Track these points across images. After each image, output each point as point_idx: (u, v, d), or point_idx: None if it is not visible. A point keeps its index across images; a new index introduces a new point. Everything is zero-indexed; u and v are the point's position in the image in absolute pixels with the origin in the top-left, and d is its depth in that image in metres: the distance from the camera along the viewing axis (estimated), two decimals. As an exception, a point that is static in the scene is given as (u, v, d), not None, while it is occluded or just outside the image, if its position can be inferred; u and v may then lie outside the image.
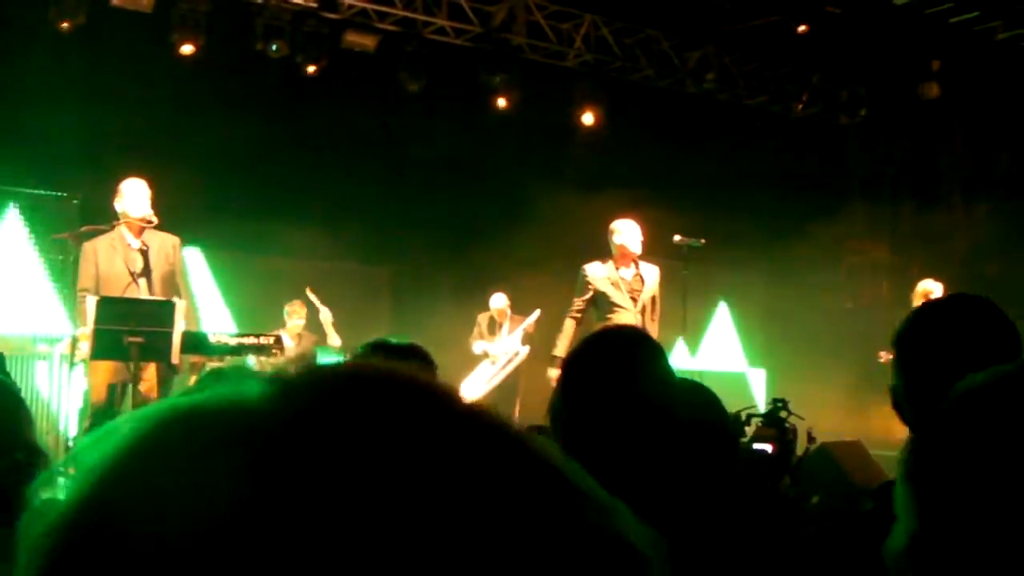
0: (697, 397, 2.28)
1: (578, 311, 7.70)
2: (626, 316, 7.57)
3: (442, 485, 0.44)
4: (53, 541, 0.45)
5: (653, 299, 7.75)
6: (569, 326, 7.72)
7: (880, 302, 12.14)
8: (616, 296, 7.65)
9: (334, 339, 9.55)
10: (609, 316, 7.56)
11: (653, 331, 7.72)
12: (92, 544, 0.44)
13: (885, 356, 8.32)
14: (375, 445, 0.45)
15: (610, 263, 7.72)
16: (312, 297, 9.59)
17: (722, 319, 12.65)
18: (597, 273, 7.70)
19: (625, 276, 7.68)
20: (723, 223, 10.29)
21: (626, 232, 7.71)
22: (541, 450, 0.49)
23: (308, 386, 0.48)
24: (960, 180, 11.93)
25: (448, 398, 0.49)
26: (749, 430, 6.02)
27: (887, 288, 12.37)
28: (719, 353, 12.27)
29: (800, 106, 12.36)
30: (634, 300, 7.69)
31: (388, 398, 0.47)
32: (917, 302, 8.64)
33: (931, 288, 8.75)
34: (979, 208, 11.61)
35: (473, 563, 0.43)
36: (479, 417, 0.49)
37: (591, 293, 7.65)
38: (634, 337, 2.21)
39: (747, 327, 12.41)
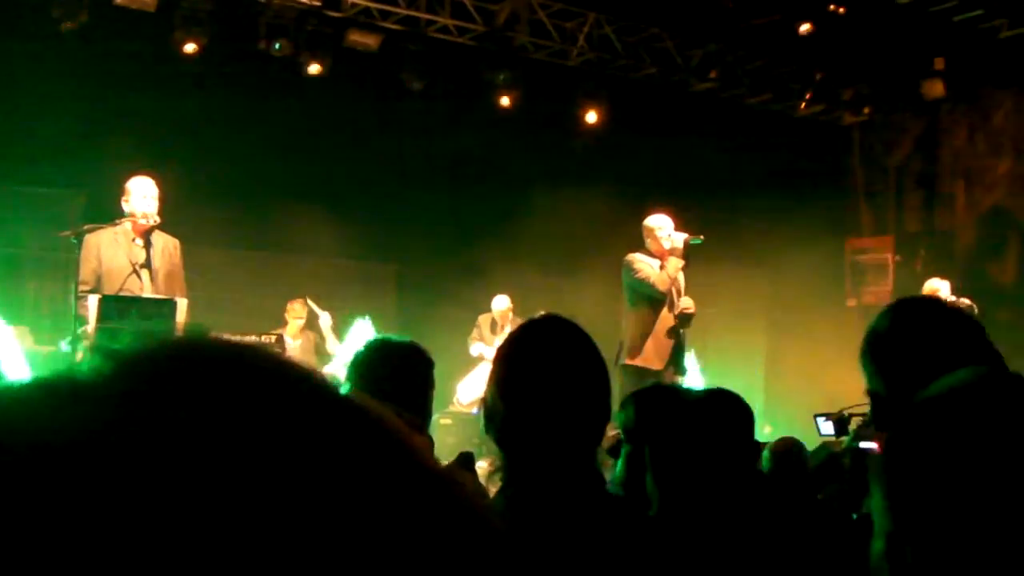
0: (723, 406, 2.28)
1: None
2: (668, 317, 7.13)
3: (267, 455, 0.43)
4: None
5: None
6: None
7: (884, 301, 12.12)
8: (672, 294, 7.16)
9: (333, 344, 9.05)
10: (658, 313, 7.06)
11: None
12: None
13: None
14: (200, 419, 0.44)
15: (655, 259, 7.19)
16: (312, 305, 9.17)
17: (723, 317, 12.60)
18: (656, 268, 7.15)
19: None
20: (725, 221, 10.27)
21: (668, 227, 7.22)
22: (380, 418, 0.48)
23: (143, 360, 0.47)
24: (964, 178, 11.90)
25: (282, 368, 0.48)
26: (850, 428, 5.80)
27: (891, 287, 12.34)
28: (717, 351, 12.22)
29: (803, 104, 12.33)
30: (678, 297, 7.24)
31: (218, 370, 0.47)
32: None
33: (937, 287, 8.67)
34: (983, 206, 11.59)
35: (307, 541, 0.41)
36: (311, 387, 0.48)
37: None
38: (567, 327, 2.10)
39: (749, 325, 12.37)
